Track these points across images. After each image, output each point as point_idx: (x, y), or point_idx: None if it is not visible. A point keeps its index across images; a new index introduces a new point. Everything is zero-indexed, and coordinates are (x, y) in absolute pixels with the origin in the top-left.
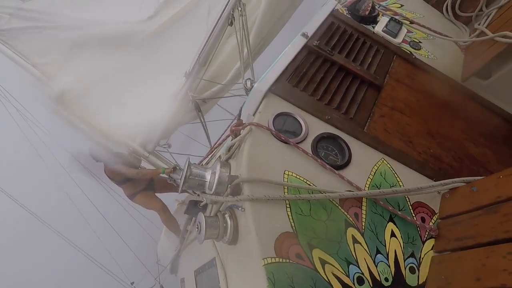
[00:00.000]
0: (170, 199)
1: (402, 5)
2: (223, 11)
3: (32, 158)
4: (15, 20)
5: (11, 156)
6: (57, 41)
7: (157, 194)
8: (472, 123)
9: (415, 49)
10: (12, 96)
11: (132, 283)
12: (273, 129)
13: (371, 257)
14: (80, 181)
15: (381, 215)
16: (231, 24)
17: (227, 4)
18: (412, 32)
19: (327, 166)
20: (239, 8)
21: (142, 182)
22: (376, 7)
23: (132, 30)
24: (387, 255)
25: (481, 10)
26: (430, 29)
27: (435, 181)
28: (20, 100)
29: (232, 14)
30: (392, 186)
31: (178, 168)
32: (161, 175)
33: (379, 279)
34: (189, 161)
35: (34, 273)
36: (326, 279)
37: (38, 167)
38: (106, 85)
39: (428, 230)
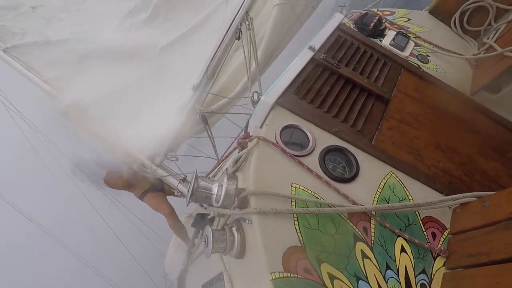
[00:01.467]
0: (178, 212)
1: (409, 19)
2: (230, 25)
3: (39, 170)
4: (27, 35)
5: (21, 171)
6: (66, 54)
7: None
8: (482, 137)
9: (423, 62)
10: (14, 106)
11: None
12: (279, 144)
13: (381, 273)
14: (87, 193)
15: (390, 230)
16: (238, 38)
17: (234, 18)
18: (420, 46)
19: (332, 184)
20: (247, 22)
21: (147, 182)
22: (383, 21)
23: (143, 44)
24: (398, 271)
25: (489, 24)
26: (437, 46)
27: (445, 195)
28: (25, 110)
29: (240, 28)
30: (402, 200)
31: (186, 180)
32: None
33: None
34: (196, 173)
35: (39, 285)
36: None
37: (46, 179)
38: (113, 98)
39: (437, 252)
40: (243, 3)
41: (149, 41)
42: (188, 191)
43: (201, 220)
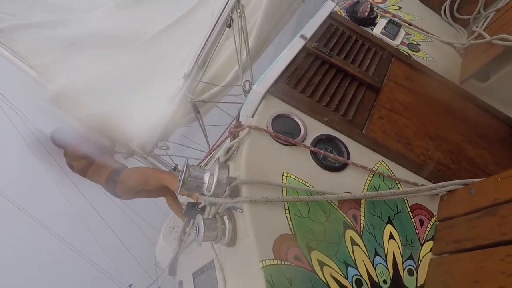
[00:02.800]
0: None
1: (400, 7)
2: (221, 13)
3: (26, 157)
4: (14, 20)
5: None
6: (54, 40)
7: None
8: (470, 125)
9: (413, 51)
10: (6, 97)
11: (130, 286)
12: (272, 131)
13: (369, 259)
14: (78, 183)
15: (379, 217)
16: (229, 26)
17: (225, 6)
18: (411, 34)
19: (329, 157)
20: (238, 10)
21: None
22: (375, 9)
23: (133, 31)
24: (386, 257)
25: (479, 12)
26: (428, 32)
27: (433, 183)
28: (15, 100)
29: (231, 16)
30: (391, 188)
31: (177, 169)
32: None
33: (377, 282)
34: (187, 162)
35: (30, 274)
36: (325, 281)
37: (32, 166)
38: (104, 85)
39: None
40: None
41: (138, 25)
42: (179, 180)
43: (192, 208)
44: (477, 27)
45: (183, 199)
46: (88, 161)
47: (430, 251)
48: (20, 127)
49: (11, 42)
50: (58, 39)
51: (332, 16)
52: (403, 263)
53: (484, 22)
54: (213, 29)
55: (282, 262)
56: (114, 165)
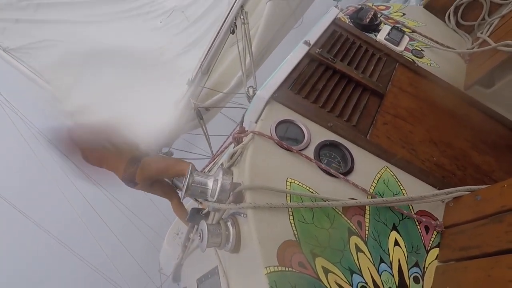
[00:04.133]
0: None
1: (404, 14)
2: (225, 19)
3: (31, 161)
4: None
5: (11, 163)
6: (68, 55)
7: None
8: (475, 131)
9: (417, 57)
10: (10, 102)
11: None
12: (275, 137)
13: (374, 266)
14: (82, 188)
15: (384, 224)
16: (233, 32)
17: (229, 12)
18: (415, 40)
19: (331, 170)
20: (242, 17)
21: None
22: (378, 15)
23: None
24: (391, 264)
25: (483, 19)
26: (432, 40)
27: (438, 189)
28: (21, 107)
29: (235, 23)
30: (395, 194)
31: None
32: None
33: None
34: (191, 168)
35: (33, 279)
36: None
37: (36, 170)
38: (112, 93)
39: (435, 226)
40: None
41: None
42: (183, 186)
43: (196, 214)
44: (481, 33)
45: (188, 204)
46: (104, 150)
47: (436, 258)
48: (21, 128)
49: (26, 56)
50: (74, 54)
51: (335, 22)
52: (408, 270)
53: (489, 28)
54: (217, 36)
55: (286, 269)
56: (132, 153)
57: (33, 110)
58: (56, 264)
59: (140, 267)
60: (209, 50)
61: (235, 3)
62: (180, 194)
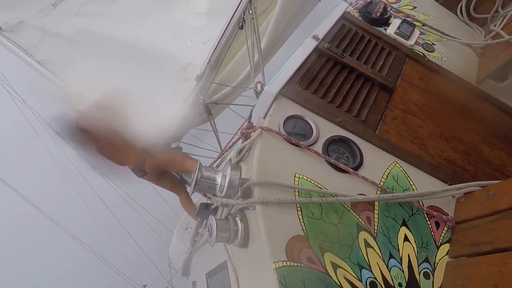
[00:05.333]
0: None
1: (414, 7)
2: (233, 14)
3: (44, 158)
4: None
5: (23, 156)
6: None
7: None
8: (487, 125)
9: (428, 51)
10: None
11: (144, 286)
12: (284, 132)
13: (384, 261)
14: (93, 183)
15: (393, 219)
16: (241, 27)
17: (238, 7)
18: (425, 34)
19: (340, 165)
20: (250, 12)
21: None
22: (388, 9)
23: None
24: (401, 260)
25: (496, 11)
26: (443, 33)
27: (449, 184)
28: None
29: (243, 18)
30: (405, 190)
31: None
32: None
33: (392, 284)
34: (200, 163)
35: (45, 273)
36: (338, 284)
37: (49, 166)
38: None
39: (445, 222)
40: None
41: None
42: (192, 181)
43: (204, 209)
44: (494, 26)
45: (196, 199)
46: (115, 138)
47: (446, 254)
48: (31, 119)
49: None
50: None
51: (345, 16)
52: (418, 266)
53: (502, 21)
54: (225, 31)
55: (295, 264)
56: (143, 144)
57: (49, 109)
58: (64, 255)
59: (151, 261)
60: (217, 45)
61: None
62: (189, 189)
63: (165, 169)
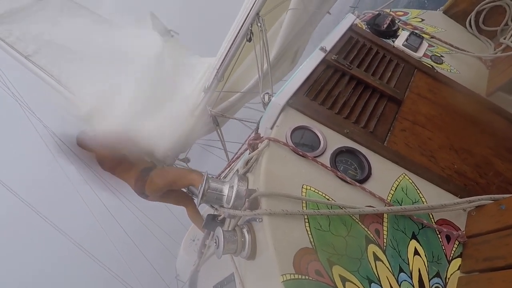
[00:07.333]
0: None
1: (423, 20)
2: (241, 26)
3: (53, 169)
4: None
5: (33, 168)
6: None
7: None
8: (498, 138)
9: (437, 63)
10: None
11: None
12: (291, 144)
13: (393, 275)
14: (100, 195)
15: (403, 232)
16: (249, 40)
17: (246, 19)
18: (434, 46)
19: (348, 178)
20: (259, 24)
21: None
22: (396, 21)
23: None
24: (411, 274)
25: (506, 24)
26: (452, 45)
27: (460, 197)
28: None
29: (251, 30)
30: (415, 202)
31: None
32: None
33: None
34: (207, 175)
35: (51, 284)
36: None
37: (56, 176)
38: (129, 99)
39: (456, 237)
40: (254, 3)
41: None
42: (199, 192)
43: (212, 221)
44: (504, 38)
45: (204, 210)
46: (118, 159)
47: (458, 268)
48: (41, 131)
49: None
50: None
51: (352, 28)
52: (429, 280)
53: None
54: (232, 43)
55: (303, 277)
56: (144, 164)
57: (53, 116)
58: (76, 269)
59: (158, 274)
60: (224, 58)
61: (252, 9)
62: (196, 200)
63: (170, 189)
